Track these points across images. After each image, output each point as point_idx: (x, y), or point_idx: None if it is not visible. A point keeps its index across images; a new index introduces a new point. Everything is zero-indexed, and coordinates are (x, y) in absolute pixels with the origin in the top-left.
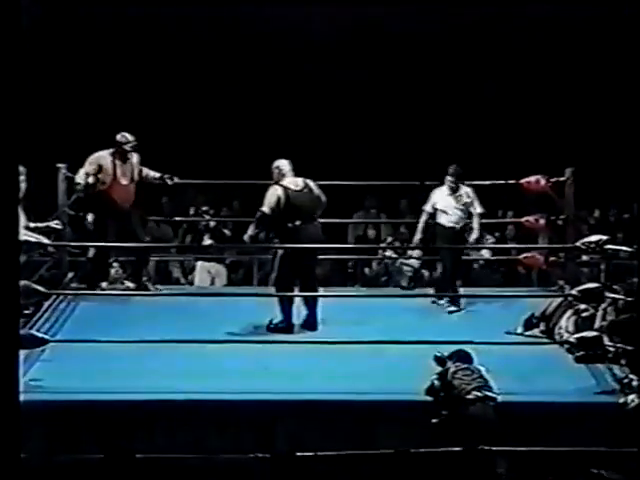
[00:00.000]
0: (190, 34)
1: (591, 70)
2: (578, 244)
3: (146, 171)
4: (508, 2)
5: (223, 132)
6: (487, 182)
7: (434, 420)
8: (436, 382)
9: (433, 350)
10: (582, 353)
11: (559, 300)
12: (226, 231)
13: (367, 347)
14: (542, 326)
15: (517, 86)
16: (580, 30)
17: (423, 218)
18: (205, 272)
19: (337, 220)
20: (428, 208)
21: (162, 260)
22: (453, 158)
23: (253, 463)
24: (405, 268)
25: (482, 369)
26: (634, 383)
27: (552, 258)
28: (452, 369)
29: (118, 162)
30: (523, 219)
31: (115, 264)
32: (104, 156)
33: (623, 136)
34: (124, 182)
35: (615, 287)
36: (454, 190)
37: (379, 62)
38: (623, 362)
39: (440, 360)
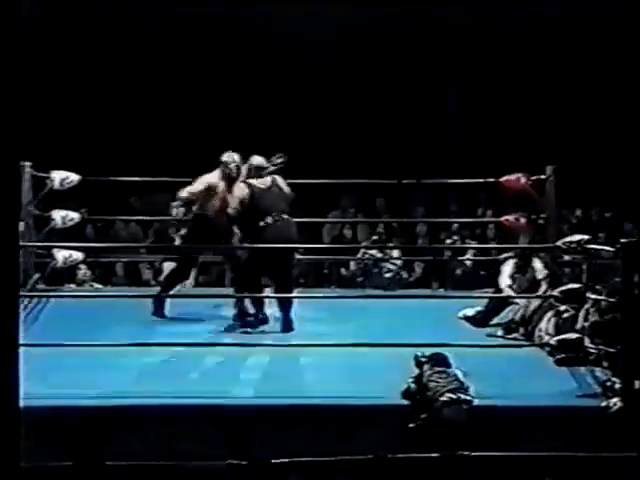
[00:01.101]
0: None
1: (572, 67)
2: (559, 244)
3: None
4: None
5: (192, 129)
6: (466, 180)
7: (411, 425)
8: (412, 385)
9: (409, 353)
10: (563, 356)
11: (538, 301)
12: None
13: (343, 350)
14: (522, 329)
15: (496, 84)
16: (559, 27)
17: None
18: None
19: (313, 220)
20: None
21: (132, 261)
22: (431, 156)
23: (228, 470)
24: (387, 269)
25: (459, 372)
26: (616, 386)
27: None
28: (428, 372)
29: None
30: (503, 218)
31: (82, 265)
32: (220, 183)
33: (605, 134)
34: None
35: (597, 287)
36: None
37: (352, 61)
38: (605, 364)
39: (419, 362)
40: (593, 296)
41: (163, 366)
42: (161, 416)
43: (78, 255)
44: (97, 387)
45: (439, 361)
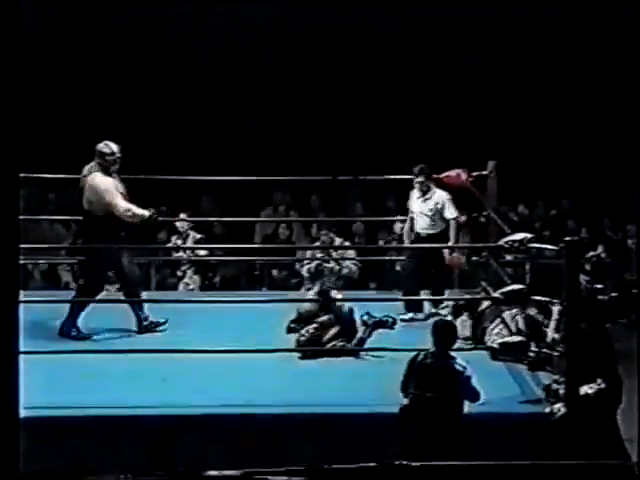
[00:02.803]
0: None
1: (512, 61)
2: (501, 243)
3: None
4: None
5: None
6: (405, 176)
7: None
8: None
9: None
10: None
11: (486, 304)
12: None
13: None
14: (468, 332)
15: (437, 78)
16: (499, 20)
17: (407, 224)
18: None
19: (245, 219)
20: (409, 212)
21: (51, 263)
22: (370, 151)
23: None
24: (344, 270)
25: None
26: (560, 391)
27: (474, 258)
28: None
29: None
30: None
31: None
32: (111, 180)
33: (548, 128)
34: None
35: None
36: (424, 192)
37: (290, 55)
38: (549, 368)
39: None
40: (537, 298)
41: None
42: (79, 427)
43: None
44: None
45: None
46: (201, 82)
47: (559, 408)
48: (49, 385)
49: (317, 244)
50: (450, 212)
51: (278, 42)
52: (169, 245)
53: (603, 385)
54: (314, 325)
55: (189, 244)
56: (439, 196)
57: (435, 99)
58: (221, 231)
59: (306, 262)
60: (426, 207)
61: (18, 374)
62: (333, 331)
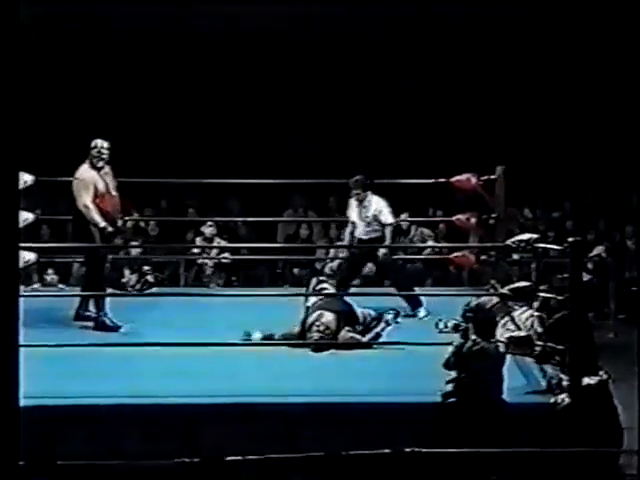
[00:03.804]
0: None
1: (521, 68)
2: (509, 243)
3: None
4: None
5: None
6: (418, 181)
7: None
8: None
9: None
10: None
11: (493, 301)
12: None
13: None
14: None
15: (449, 85)
16: (506, 27)
17: (348, 229)
18: None
19: (268, 219)
20: (350, 219)
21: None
22: (383, 156)
23: (180, 468)
24: (364, 269)
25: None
26: (564, 383)
27: (483, 257)
28: None
29: (101, 172)
30: (454, 218)
31: (50, 269)
32: (92, 174)
33: (554, 134)
34: (114, 193)
35: (545, 287)
36: (361, 201)
37: (303, 58)
38: (554, 361)
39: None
40: (543, 294)
41: (122, 366)
42: (110, 415)
43: (31, 256)
44: (53, 387)
45: None
46: (227, 88)
47: (563, 399)
48: (78, 375)
49: (337, 243)
50: (386, 218)
51: (294, 44)
52: (195, 250)
53: (605, 376)
54: (319, 327)
55: (214, 251)
56: (376, 203)
57: (447, 109)
58: (245, 232)
59: (328, 260)
60: (364, 214)
61: (18, 366)
62: (333, 321)
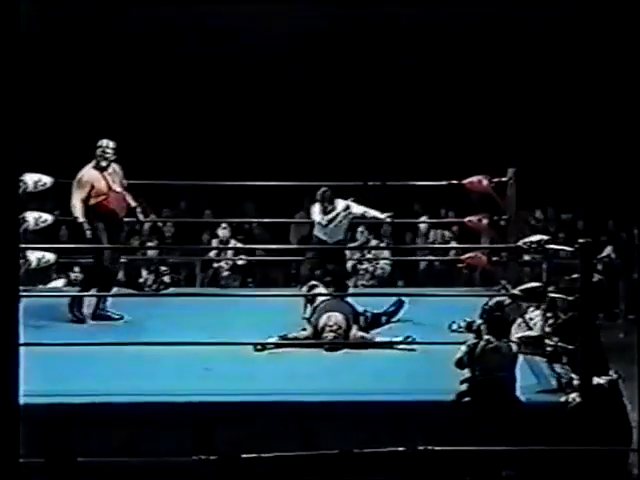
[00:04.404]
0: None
1: (533, 70)
2: (520, 244)
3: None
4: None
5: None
6: (430, 183)
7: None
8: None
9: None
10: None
11: (507, 302)
12: None
13: None
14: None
15: (462, 87)
16: (521, 28)
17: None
18: None
19: (282, 220)
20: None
21: None
22: (396, 158)
23: (195, 465)
24: (378, 271)
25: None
26: (575, 382)
27: (494, 258)
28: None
29: (105, 172)
30: (466, 219)
31: (76, 268)
32: (92, 173)
33: (565, 137)
34: (118, 189)
35: (555, 287)
36: (324, 208)
37: (314, 64)
38: (564, 360)
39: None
40: (553, 294)
41: (137, 365)
42: (127, 414)
43: (51, 256)
44: (71, 385)
45: None
46: (245, 92)
47: (574, 397)
48: (95, 374)
49: (352, 245)
50: (357, 209)
51: (311, 46)
52: (212, 252)
53: (615, 376)
54: (332, 327)
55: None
56: (337, 211)
57: (460, 112)
58: (259, 233)
59: None
60: (327, 220)
61: (18, 365)
62: (343, 321)
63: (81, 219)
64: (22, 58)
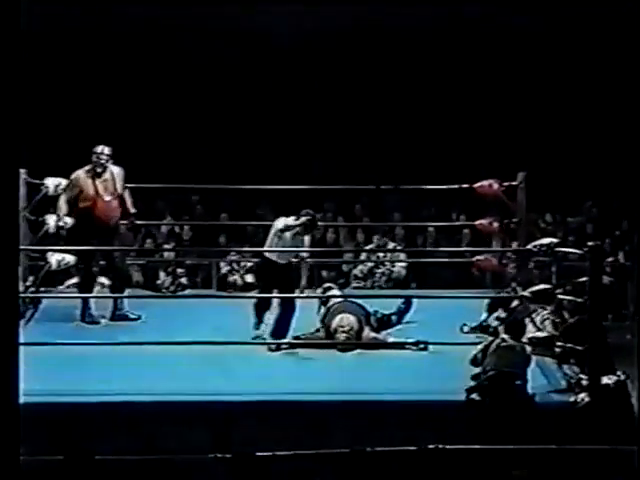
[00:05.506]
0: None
1: (543, 74)
2: (530, 247)
3: (126, 195)
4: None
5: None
6: (441, 186)
7: None
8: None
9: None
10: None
11: (516, 302)
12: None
13: None
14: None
15: (472, 91)
16: (529, 33)
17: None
18: None
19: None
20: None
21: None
22: (408, 162)
23: (213, 463)
24: (394, 274)
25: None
26: (584, 382)
27: (505, 261)
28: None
29: (97, 178)
30: (477, 222)
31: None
32: (82, 177)
33: (575, 141)
34: (107, 198)
35: (564, 289)
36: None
37: (328, 69)
38: (573, 361)
39: None
40: (562, 296)
41: (151, 364)
42: (145, 413)
43: (71, 258)
44: (86, 384)
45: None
46: (262, 97)
47: (583, 397)
48: (115, 373)
49: (368, 247)
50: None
51: (324, 52)
52: (231, 254)
53: (623, 377)
54: (344, 328)
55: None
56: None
57: (471, 116)
58: None
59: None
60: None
61: (18, 365)
62: (355, 322)
63: (61, 216)
64: (22, 58)
